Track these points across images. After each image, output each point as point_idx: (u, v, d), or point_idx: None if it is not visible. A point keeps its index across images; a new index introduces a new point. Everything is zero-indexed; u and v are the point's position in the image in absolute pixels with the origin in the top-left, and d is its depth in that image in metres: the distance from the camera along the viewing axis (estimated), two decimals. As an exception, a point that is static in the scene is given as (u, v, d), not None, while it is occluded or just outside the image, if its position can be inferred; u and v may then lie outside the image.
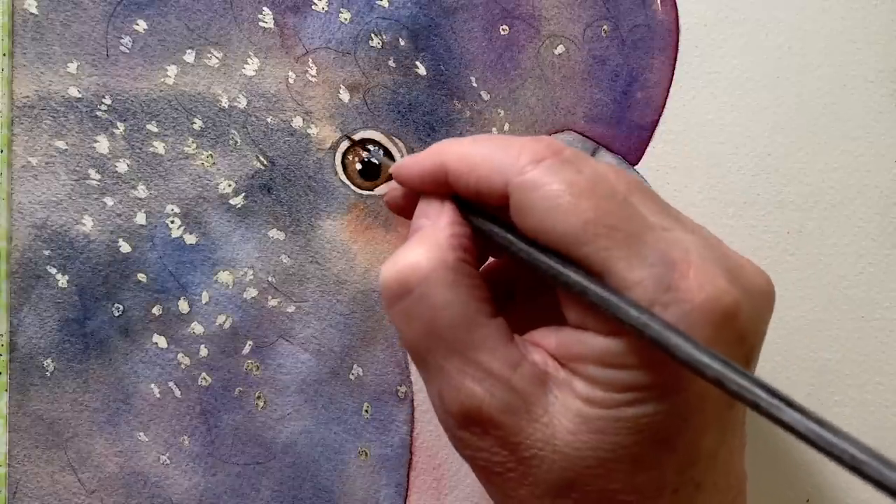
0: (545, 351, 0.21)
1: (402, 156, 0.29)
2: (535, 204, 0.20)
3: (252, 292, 0.29)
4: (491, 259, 0.27)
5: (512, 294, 0.26)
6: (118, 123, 0.29)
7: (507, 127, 0.30)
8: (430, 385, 0.22)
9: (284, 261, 0.29)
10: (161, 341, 0.29)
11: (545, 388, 0.21)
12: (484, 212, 0.23)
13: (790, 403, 0.17)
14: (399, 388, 0.30)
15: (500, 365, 0.21)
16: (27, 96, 0.28)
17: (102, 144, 0.29)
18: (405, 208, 0.25)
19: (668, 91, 0.30)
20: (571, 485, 0.21)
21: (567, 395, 0.21)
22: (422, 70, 0.29)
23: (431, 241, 0.22)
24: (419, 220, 0.23)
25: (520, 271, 0.26)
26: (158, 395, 0.29)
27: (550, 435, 0.20)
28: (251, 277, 0.29)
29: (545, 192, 0.20)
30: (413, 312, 0.21)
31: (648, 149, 0.30)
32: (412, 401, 0.30)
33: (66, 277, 0.28)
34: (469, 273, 0.22)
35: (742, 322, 0.20)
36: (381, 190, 0.29)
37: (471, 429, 0.21)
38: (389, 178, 0.29)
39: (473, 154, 0.22)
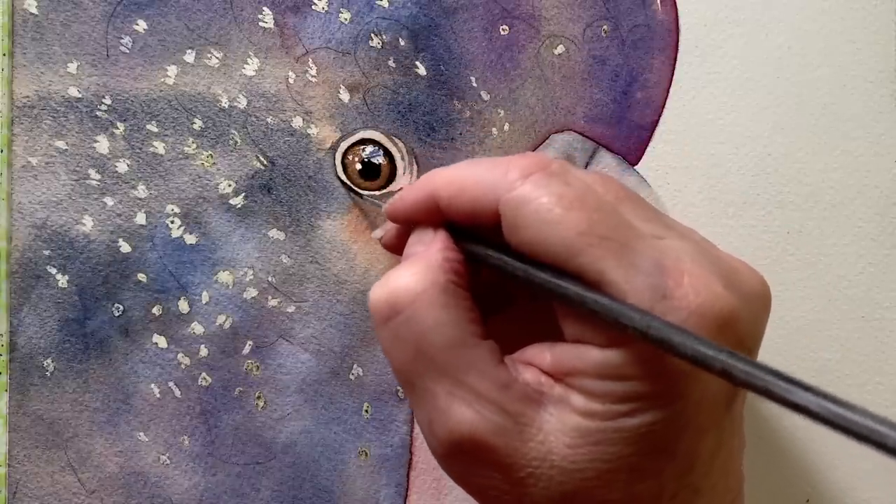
0: (538, 369, 0.21)
1: (402, 156, 0.29)
2: (527, 218, 0.20)
3: (252, 292, 0.29)
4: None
5: (506, 302, 0.26)
6: (118, 123, 0.29)
7: (507, 127, 0.30)
8: (418, 409, 0.22)
9: (284, 261, 0.29)
10: (161, 341, 0.29)
11: (538, 407, 0.21)
12: (477, 237, 0.23)
13: (802, 385, 0.17)
14: (399, 388, 0.30)
15: (490, 387, 0.21)
16: (27, 96, 0.28)
17: (102, 144, 0.29)
18: (401, 246, 0.24)
19: (668, 91, 0.30)
20: (570, 499, 0.20)
21: (563, 410, 0.20)
22: (422, 70, 0.29)
23: (423, 263, 0.22)
24: (412, 248, 0.23)
25: (512, 286, 0.26)
26: (158, 395, 0.29)
27: (546, 452, 0.20)
28: (251, 277, 0.29)
29: (536, 206, 0.20)
30: (402, 333, 0.21)
31: (648, 149, 0.30)
32: (412, 401, 0.30)
33: (66, 277, 0.28)
34: (460, 295, 0.22)
35: (739, 326, 0.20)
36: (377, 234, 0.29)
37: (461, 454, 0.21)
38: (383, 186, 0.29)
39: (462, 177, 0.22)
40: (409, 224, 0.24)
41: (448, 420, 0.21)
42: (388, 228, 0.25)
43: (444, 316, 0.21)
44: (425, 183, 0.23)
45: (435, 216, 0.23)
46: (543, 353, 0.21)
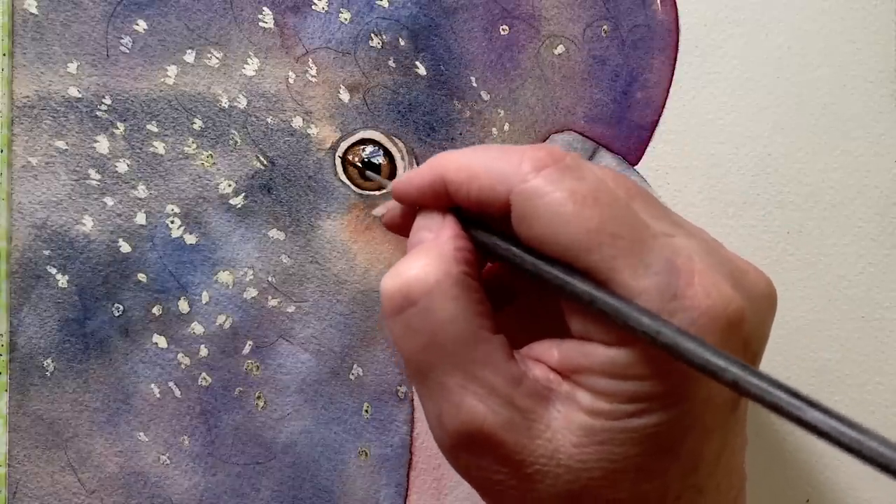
0: (546, 365, 0.21)
1: (402, 156, 0.29)
2: (539, 212, 0.20)
3: (252, 292, 0.29)
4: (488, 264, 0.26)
5: (510, 298, 0.26)
6: (118, 123, 0.29)
7: (507, 127, 0.30)
8: (427, 402, 0.22)
9: (284, 261, 0.29)
10: (161, 341, 0.29)
11: (547, 404, 0.21)
12: (485, 224, 0.22)
13: (811, 403, 0.17)
14: (399, 388, 0.30)
15: (502, 381, 0.21)
16: (27, 96, 0.28)
17: (102, 144, 0.29)
18: (404, 227, 0.24)
19: (668, 91, 0.30)
20: (576, 497, 0.20)
21: (571, 408, 0.20)
22: (422, 70, 0.29)
23: (436, 253, 0.21)
24: (420, 233, 0.23)
25: (518, 279, 0.26)
26: (158, 395, 0.29)
27: (554, 450, 0.20)
28: (251, 277, 0.29)
29: (548, 201, 0.20)
30: (415, 325, 0.21)
31: (648, 149, 0.30)
32: (412, 401, 0.30)
33: (66, 277, 0.28)
34: (473, 287, 0.21)
35: (747, 327, 0.20)
36: (379, 211, 0.29)
37: (471, 447, 0.21)
38: (380, 187, 0.29)
39: (473, 164, 0.22)
40: (414, 206, 0.24)
41: (459, 412, 0.21)
42: (390, 207, 0.25)
43: (458, 309, 0.21)
44: (434, 165, 0.22)
45: (442, 200, 0.22)
46: (551, 350, 0.21)
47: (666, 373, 0.20)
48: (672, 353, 0.19)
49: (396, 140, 0.29)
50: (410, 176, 0.23)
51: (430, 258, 0.21)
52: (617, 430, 0.20)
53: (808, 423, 0.17)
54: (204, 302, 0.29)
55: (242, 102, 0.29)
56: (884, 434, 0.17)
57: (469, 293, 0.21)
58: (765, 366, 0.30)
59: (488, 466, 0.21)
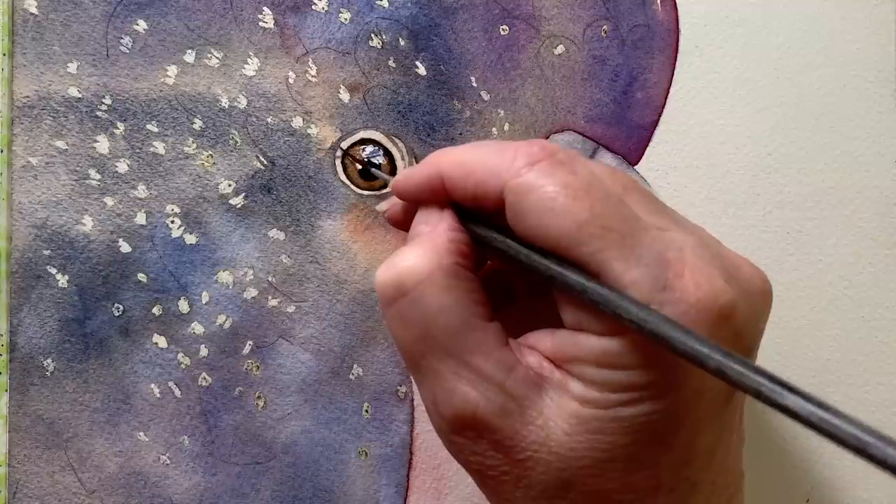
0: (540, 353, 0.22)
1: (403, 156, 0.29)
2: (531, 206, 0.21)
3: (252, 292, 0.29)
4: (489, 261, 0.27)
5: (511, 295, 0.26)
6: (118, 123, 0.29)
7: (507, 127, 0.30)
8: (423, 389, 0.22)
9: (284, 261, 0.29)
10: (161, 341, 0.29)
11: (540, 391, 0.21)
12: (482, 218, 0.23)
13: (792, 389, 0.17)
14: (399, 388, 0.30)
15: (494, 368, 0.21)
16: (27, 96, 0.28)
17: (102, 144, 0.29)
18: (406, 222, 0.25)
19: (668, 91, 0.30)
20: (567, 485, 0.21)
21: (563, 396, 0.21)
22: (422, 70, 0.29)
23: (428, 244, 0.22)
24: (418, 227, 0.23)
25: (517, 274, 0.26)
26: (158, 395, 0.29)
27: (545, 437, 0.20)
28: (251, 277, 0.29)
29: (540, 195, 0.20)
30: (408, 315, 0.21)
31: (648, 149, 0.30)
32: (412, 401, 0.30)
33: (66, 277, 0.28)
34: (466, 277, 0.22)
35: (738, 320, 0.20)
36: (382, 206, 0.29)
37: (465, 433, 0.21)
38: (384, 185, 0.29)
39: (469, 160, 0.22)
40: (415, 202, 0.24)
41: (452, 398, 0.21)
42: (393, 202, 0.25)
43: (449, 299, 0.21)
44: (432, 162, 0.23)
45: (441, 196, 0.23)
46: (545, 339, 0.22)
47: (656, 362, 0.20)
48: (659, 342, 0.19)
49: (396, 140, 0.29)
50: (409, 173, 0.24)
51: (422, 250, 0.22)
52: (607, 420, 0.20)
53: (787, 409, 0.17)
54: (204, 302, 0.29)
55: (242, 102, 0.29)
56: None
57: (461, 283, 0.21)
58: (765, 365, 0.30)
59: (483, 452, 0.21)
